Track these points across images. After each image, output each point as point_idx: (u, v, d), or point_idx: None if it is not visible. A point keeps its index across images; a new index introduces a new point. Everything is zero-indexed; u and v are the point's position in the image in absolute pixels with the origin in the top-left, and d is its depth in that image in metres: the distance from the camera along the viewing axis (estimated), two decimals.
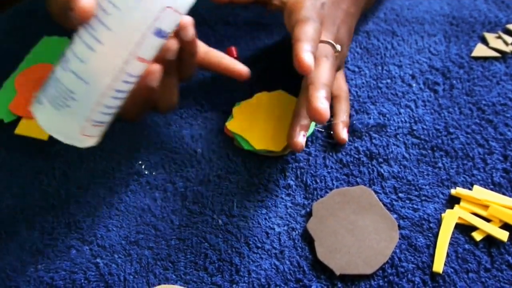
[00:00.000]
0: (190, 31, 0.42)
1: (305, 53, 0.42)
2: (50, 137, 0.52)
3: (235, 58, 0.56)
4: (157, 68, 0.40)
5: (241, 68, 0.51)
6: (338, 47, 0.48)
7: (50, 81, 0.40)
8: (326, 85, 0.44)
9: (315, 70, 0.44)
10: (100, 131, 0.42)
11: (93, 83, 0.38)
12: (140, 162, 0.50)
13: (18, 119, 0.53)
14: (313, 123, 0.50)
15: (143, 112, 0.46)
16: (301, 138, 0.45)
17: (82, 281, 0.43)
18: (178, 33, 0.41)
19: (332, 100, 0.51)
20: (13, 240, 0.46)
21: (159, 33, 0.38)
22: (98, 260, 0.44)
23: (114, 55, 0.37)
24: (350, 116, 0.52)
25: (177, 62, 0.43)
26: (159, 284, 0.42)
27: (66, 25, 0.40)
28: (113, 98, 0.39)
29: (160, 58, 0.41)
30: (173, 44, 0.41)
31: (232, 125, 0.50)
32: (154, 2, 0.37)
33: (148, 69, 0.40)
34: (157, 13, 0.37)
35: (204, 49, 0.51)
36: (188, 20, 0.41)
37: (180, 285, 0.42)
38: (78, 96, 0.38)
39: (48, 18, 0.64)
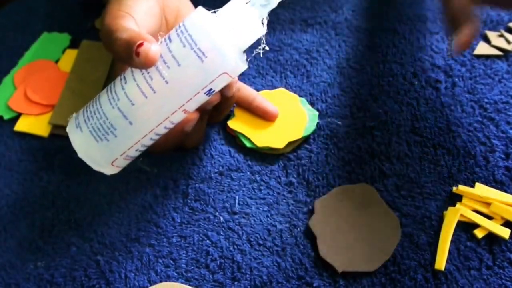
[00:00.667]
0: (233, 89, 0.43)
1: None
2: (50, 134, 0.51)
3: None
4: (195, 116, 0.42)
5: (272, 110, 0.50)
6: None
7: (93, 110, 0.40)
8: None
9: None
10: (128, 163, 0.44)
11: (138, 125, 0.39)
12: (140, 159, 0.49)
13: (17, 115, 0.53)
14: (314, 121, 0.50)
15: (172, 149, 0.47)
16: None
17: (83, 278, 0.43)
18: (222, 89, 0.42)
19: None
20: (12, 237, 0.45)
21: (209, 92, 0.40)
22: (98, 257, 0.44)
23: (165, 105, 0.39)
24: (352, 112, 0.52)
25: (212, 110, 0.45)
26: (160, 281, 0.42)
27: (115, 56, 0.41)
28: (150, 140, 0.41)
29: (199, 108, 0.42)
30: (216, 99, 0.42)
31: (233, 124, 0.50)
32: (215, 67, 0.38)
33: (188, 117, 0.41)
34: (214, 77, 0.38)
35: (237, 86, 0.51)
36: (234, 79, 0.42)
37: (182, 283, 0.42)
38: (119, 133, 0.40)
39: (48, 14, 0.63)
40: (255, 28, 0.39)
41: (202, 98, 0.40)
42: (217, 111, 0.47)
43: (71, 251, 0.44)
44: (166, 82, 0.38)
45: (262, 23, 0.39)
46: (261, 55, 0.40)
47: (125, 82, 0.39)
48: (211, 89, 0.40)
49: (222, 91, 0.42)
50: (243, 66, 0.39)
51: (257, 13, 0.38)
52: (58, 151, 0.51)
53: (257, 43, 0.40)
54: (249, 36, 0.39)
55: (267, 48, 0.41)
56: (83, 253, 0.44)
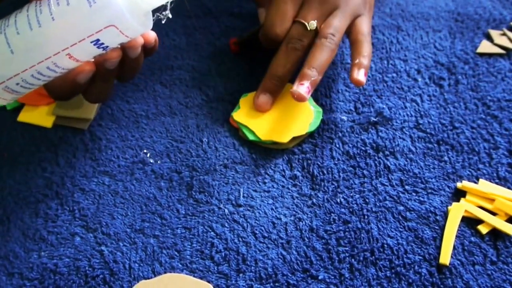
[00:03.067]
0: (135, 51, 0.40)
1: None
2: (54, 125, 0.51)
3: (238, 51, 0.56)
4: (87, 69, 0.40)
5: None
6: (312, 24, 0.49)
7: None
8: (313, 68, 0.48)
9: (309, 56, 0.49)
10: (12, 98, 0.41)
11: (18, 57, 0.38)
12: (145, 151, 0.49)
13: (20, 106, 0.53)
14: (319, 118, 0.50)
15: (70, 96, 0.43)
16: (299, 88, 0.47)
17: (87, 268, 0.42)
18: (124, 48, 0.40)
19: (351, 46, 0.51)
20: (16, 227, 0.45)
21: (97, 43, 0.38)
22: (102, 247, 0.44)
23: (48, 43, 0.37)
24: (357, 108, 0.52)
25: (118, 69, 0.42)
26: (165, 272, 0.42)
27: None
28: (32, 77, 0.39)
29: (98, 63, 0.40)
30: (114, 56, 0.40)
31: (238, 116, 0.50)
32: (101, 16, 0.36)
33: (79, 67, 0.39)
34: (100, 27, 0.37)
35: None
36: (138, 41, 0.40)
37: (186, 274, 0.42)
38: (0, 60, 0.38)
39: None
40: None
41: (90, 48, 0.38)
42: (124, 72, 0.43)
43: (75, 241, 0.44)
44: (53, 18, 0.36)
45: None
46: (163, 22, 0.38)
47: (20, 11, 0.38)
48: (98, 40, 0.37)
49: (125, 51, 0.40)
50: (139, 27, 0.37)
51: None
52: (62, 142, 0.50)
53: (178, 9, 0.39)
54: None
55: (169, 15, 0.39)
56: (87, 244, 0.44)
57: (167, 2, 0.38)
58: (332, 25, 0.49)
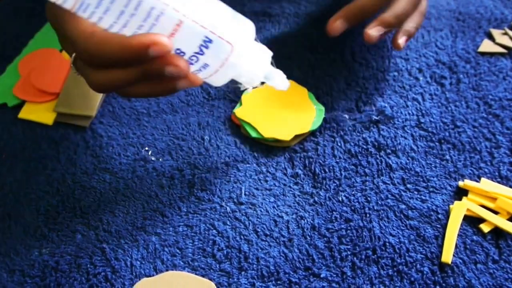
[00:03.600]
0: (184, 85, 0.37)
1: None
2: (55, 122, 0.51)
3: None
4: (165, 44, 0.33)
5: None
6: None
7: None
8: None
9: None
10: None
11: None
12: (146, 148, 0.49)
13: (21, 103, 0.53)
14: (321, 116, 0.50)
15: (108, 65, 0.36)
16: (373, 31, 0.48)
17: (88, 265, 0.42)
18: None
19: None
20: (17, 224, 0.45)
21: (204, 43, 0.35)
22: (104, 245, 0.43)
23: None
24: (358, 106, 0.52)
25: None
26: (166, 270, 0.42)
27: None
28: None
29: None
30: (182, 65, 0.35)
31: (240, 112, 0.50)
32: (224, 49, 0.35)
33: (160, 39, 0.33)
34: (214, 37, 0.35)
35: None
36: (198, 81, 0.37)
37: (188, 272, 0.42)
38: None
39: None
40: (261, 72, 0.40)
41: (195, 39, 0.34)
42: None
43: (76, 238, 0.44)
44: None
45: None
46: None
47: None
48: (206, 41, 0.34)
49: (165, 68, 0.34)
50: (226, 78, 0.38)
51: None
52: (63, 139, 0.50)
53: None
54: (254, 71, 0.39)
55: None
56: (89, 241, 0.44)
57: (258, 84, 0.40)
58: None
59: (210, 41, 0.35)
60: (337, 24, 0.49)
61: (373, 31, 0.48)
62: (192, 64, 0.36)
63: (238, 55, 0.36)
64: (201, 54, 0.35)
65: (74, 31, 0.34)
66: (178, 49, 0.35)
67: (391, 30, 0.50)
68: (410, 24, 0.50)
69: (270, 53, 0.40)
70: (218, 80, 0.38)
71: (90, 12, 0.32)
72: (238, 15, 0.37)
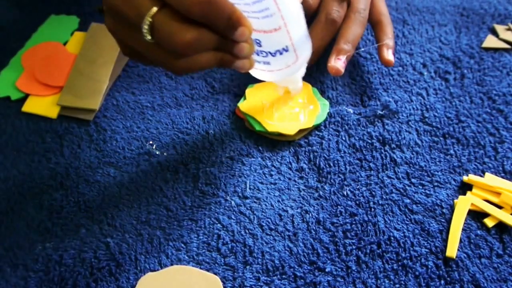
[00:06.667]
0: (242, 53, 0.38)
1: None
2: (59, 115, 0.51)
3: None
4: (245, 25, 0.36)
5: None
6: None
7: None
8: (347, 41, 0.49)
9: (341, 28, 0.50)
10: None
11: None
12: (150, 142, 0.49)
13: (25, 96, 0.52)
14: (325, 111, 0.50)
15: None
16: (337, 63, 0.48)
17: (92, 260, 0.42)
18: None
19: (374, 26, 0.52)
20: (20, 218, 0.45)
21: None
22: (108, 239, 0.43)
23: None
24: (363, 101, 0.52)
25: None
26: (171, 264, 0.42)
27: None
28: None
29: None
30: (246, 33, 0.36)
31: (244, 106, 0.50)
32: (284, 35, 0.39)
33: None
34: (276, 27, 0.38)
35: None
36: (248, 65, 0.40)
37: (193, 266, 0.42)
38: None
39: None
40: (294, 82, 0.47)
41: (277, 40, 0.39)
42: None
43: (80, 232, 0.44)
44: None
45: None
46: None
47: None
48: (287, 48, 0.39)
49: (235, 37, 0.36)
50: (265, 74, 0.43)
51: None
52: (67, 132, 0.50)
53: None
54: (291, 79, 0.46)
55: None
56: (93, 235, 0.44)
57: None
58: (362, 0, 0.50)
59: (287, 50, 0.40)
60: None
61: (336, 63, 0.48)
62: (258, 55, 0.41)
63: (296, 66, 0.42)
64: (273, 56, 0.40)
65: None
66: (258, 40, 0.39)
67: (353, 54, 0.51)
68: (384, 38, 0.51)
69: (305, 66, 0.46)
70: (265, 76, 0.44)
71: None
72: (307, 33, 0.41)
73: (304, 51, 0.42)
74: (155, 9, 0.34)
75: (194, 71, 0.37)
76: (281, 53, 0.40)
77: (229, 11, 0.34)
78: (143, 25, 0.34)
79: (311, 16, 0.51)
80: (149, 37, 0.34)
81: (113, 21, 0.36)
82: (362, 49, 0.55)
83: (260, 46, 0.39)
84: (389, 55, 0.50)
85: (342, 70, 0.48)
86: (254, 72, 0.44)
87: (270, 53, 0.40)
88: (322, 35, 0.50)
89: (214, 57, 0.37)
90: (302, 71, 0.46)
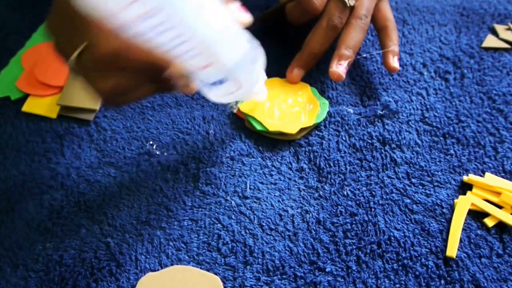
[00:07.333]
0: (181, 83, 0.39)
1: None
2: (59, 115, 0.51)
3: None
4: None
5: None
6: (352, 1, 0.49)
7: None
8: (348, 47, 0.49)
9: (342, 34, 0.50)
10: None
11: None
12: (151, 142, 0.49)
13: (25, 96, 0.52)
14: (325, 109, 0.50)
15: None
16: (339, 69, 0.48)
17: (93, 260, 0.42)
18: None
19: (380, 32, 0.52)
20: (20, 217, 0.45)
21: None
22: (108, 239, 0.43)
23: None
24: (363, 101, 0.52)
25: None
26: (171, 264, 0.42)
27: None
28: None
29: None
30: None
31: (244, 107, 0.50)
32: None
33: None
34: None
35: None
36: (191, 90, 0.41)
37: (193, 266, 0.42)
38: None
39: None
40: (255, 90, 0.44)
41: (212, 73, 0.36)
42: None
43: (80, 232, 0.44)
44: None
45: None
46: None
47: None
48: (226, 79, 0.37)
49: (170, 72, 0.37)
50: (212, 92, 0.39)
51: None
52: (67, 132, 0.50)
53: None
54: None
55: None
56: (93, 235, 0.44)
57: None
58: (364, 6, 0.50)
59: (226, 81, 0.38)
60: (295, 73, 0.52)
61: (337, 68, 0.49)
62: (199, 82, 0.39)
63: (243, 91, 0.39)
64: (213, 85, 0.38)
65: (100, 33, 0.34)
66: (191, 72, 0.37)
67: (354, 60, 0.51)
68: (389, 44, 0.51)
69: (264, 79, 0.44)
70: (218, 100, 0.41)
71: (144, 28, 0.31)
72: (259, 55, 0.39)
73: (249, 78, 0.39)
74: (76, 53, 0.35)
75: (133, 102, 0.38)
76: (220, 83, 0.38)
77: (144, 58, 0.34)
78: (71, 65, 0.35)
79: (314, 19, 0.51)
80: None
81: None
82: (364, 55, 0.55)
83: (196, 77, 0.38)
84: (394, 62, 0.50)
85: (344, 76, 0.48)
86: (206, 95, 0.41)
87: (208, 83, 0.38)
88: (322, 40, 0.50)
89: (150, 90, 0.39)
90: (262, 81, 0.44)
